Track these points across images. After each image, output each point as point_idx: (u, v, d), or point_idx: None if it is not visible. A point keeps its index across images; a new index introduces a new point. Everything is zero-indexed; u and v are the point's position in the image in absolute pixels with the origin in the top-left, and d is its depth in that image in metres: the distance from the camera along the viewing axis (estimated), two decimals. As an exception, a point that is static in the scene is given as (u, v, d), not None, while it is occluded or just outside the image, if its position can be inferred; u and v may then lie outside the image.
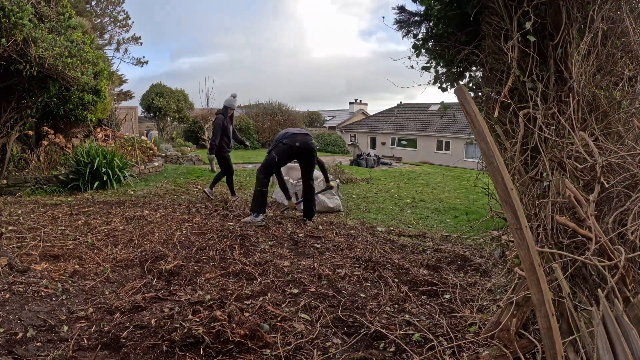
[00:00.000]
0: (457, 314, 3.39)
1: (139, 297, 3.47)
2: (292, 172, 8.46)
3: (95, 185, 8.50)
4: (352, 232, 6.18)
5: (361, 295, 3.74)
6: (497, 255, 5.13)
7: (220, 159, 8.30)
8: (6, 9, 6.49)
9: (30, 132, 9.32)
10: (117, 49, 28.30)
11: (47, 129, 9.35)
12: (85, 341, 2.81)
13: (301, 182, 6.87)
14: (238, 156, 19.32)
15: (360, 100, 42.90)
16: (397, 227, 6.86)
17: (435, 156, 29.16)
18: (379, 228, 6.64)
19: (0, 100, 7.88)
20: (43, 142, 9.02)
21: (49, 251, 4.48)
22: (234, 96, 8.38)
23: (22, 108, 8.33)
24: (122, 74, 25.35)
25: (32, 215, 6.07)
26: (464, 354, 2.74)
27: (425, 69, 5.87)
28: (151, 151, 12.30)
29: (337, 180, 8.96)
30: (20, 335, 2.80)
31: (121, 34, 28.59)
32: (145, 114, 24.81)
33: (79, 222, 5.82)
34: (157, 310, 3.26)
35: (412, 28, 6.01)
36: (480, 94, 5.38)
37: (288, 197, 7.35)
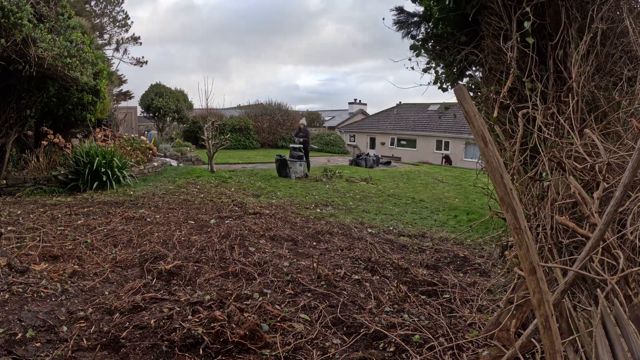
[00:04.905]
0: (456, 313, 3.40)
1: (138, 297, 3.47)
2: None
3: (95, 185, 8.50)
4: (351, 232, 6.18)
5: (360, 295, 3.74)
6: (496, 255, 5.14)
7: None
8: (5, 9, 6.49)
9: (30, 132, 9.31)
10: (116, 49, 28.31)
11: (46, 129, 9.34)
12: (85, 341, 2.81)
13: None
14: (237, 156, 19.31)
15: (360, 100, 42.89)
16: (396, 227, 6.86)
17: (434, 156, 29.17)
18: (378, 228, 6.64)
19: (-1, 100, 7.88)
20: (42, 142, 9.01)
21: (48, 251, 4.47)
22: None
23: (21, 108, 8.32)
24: (121, 74, 25.35)
25: (31, 216, 6.07)
26: (464, 354, 2.74)
27: (426, 70, 5.88)
28: (150, 151, 12.30)
29: None
30: (19, 335, 2.80)
31: (120, 34, 28.61)
32: (145, 114, 24.78)
33: (78, 222, 5.82)
34: (157, 310, 3.26)
35: (411, 29, 6.02)
36: (479, 93, 5.39)
37: None
